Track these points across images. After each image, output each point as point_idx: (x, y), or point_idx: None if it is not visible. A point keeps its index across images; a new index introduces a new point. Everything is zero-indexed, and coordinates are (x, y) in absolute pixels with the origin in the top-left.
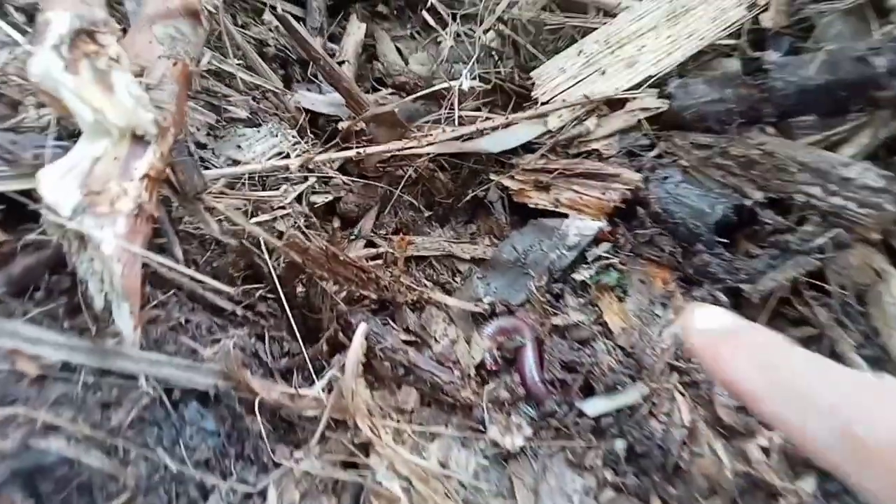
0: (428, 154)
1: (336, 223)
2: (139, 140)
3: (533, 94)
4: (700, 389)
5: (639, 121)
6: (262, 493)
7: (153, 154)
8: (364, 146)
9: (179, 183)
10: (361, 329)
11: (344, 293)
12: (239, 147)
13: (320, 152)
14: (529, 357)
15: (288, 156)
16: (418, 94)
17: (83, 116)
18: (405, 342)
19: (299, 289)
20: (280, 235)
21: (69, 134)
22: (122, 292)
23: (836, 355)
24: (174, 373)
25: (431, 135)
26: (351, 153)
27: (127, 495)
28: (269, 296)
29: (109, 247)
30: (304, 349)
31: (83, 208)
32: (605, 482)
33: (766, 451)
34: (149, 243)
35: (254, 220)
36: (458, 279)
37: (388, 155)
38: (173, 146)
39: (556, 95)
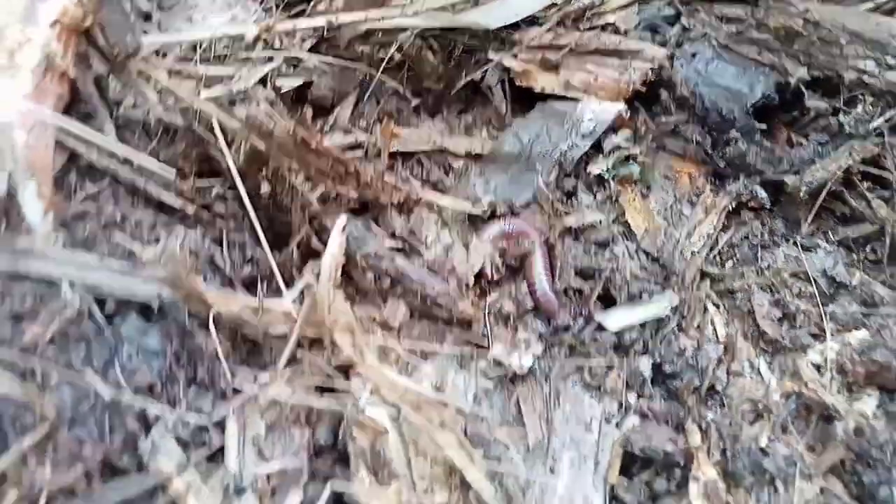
0: (414, 28)
1: (308, 112)
2: None
3: None
4: (737, 299)
5: None
6: (220, 425)
7: None
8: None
9: (109, 44)
10: (340, 222)
11: (318, 190)
12: (190, 20)
13: (284, 20)
14: (538, 263)
15: None
16: None
17: None
18: (391, 249)
19: (264, 186)
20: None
21: None
22: (28, 166)
23: None
24: (107, 278)
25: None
26: (319, 21)
27: (45, 428)
28: (229, 192)
29: (9, 109)
30: (270, 256)
31: None
32: (629, 407)
33: (818, 367)
34: (70, 116)
35: (205, 94)
36: (451, 177)
37: (366, 29)
38: None
39: None
